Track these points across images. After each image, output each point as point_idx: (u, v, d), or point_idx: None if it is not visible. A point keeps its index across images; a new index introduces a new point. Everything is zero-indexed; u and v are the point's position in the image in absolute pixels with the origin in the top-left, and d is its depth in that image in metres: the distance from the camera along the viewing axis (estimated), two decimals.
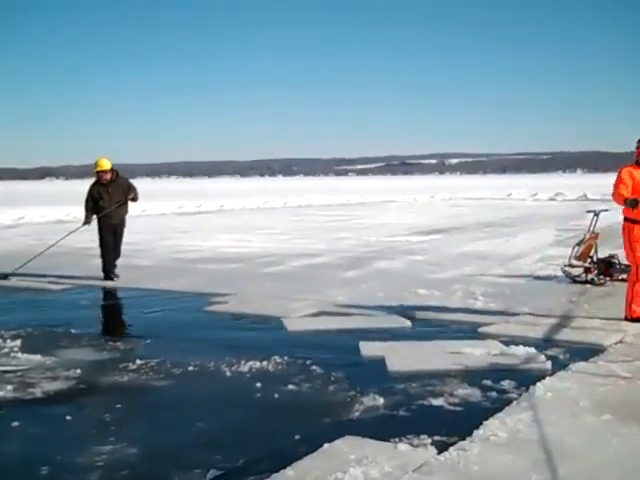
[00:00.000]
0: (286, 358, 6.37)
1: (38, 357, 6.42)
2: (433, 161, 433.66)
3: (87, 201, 11.34)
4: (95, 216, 11.25)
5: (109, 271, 11.21)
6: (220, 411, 5.11)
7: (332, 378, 5.81)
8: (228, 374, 5.98)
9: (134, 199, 11.42)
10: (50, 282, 11.03)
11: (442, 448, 4.20)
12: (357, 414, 4.96)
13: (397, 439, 4.36)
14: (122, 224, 11.49)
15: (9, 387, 5.56)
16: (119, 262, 11.42)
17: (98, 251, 11.39)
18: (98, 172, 11.30)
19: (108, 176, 11.28)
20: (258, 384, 5.62)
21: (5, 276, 11.45)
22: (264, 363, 6.22)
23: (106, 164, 11.28)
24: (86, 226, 11.48)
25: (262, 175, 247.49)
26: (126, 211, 11.56)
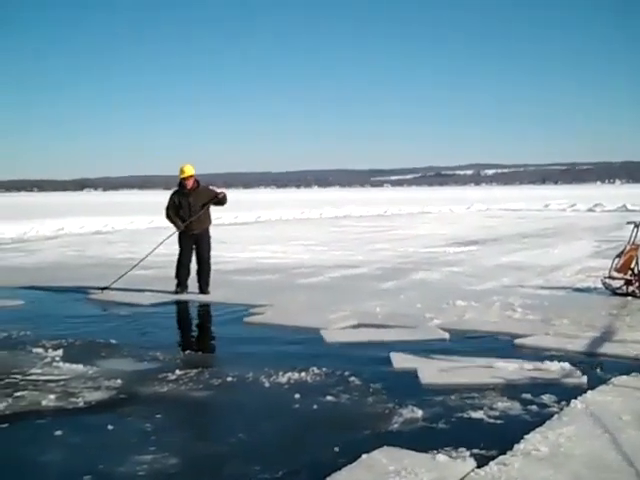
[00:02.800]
0: (324, 369, 6.38)
1: (80, 367, 6.50)
2: (469, 172, 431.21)
3: (168, 209, 11.00)
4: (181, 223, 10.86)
5: (180, 282, 10.99)
6: (259, 422, 5.13)
7: (370, 389, 5.81)
8: (267, 385, 6.00)
9: (220, 202, 11.00)
10: (96, 291, 11.15)
11: (482, 461, 4.17)
12: (396, 426, 4.96)
13: (436, 451, 4.35)
14: (204, 235, 11.07)
15: (52, 396, 5.65)
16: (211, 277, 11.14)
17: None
18: (181, 179, 10.94)
19: (191, 182, 10.91)
20: (297, 395, 5.64)
21: (103, 289, 11.25)
22: (302, 374, 6.25)
23: (189, 170, 10.87)
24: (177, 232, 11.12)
25: (298, 186, 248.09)
26: (208, 221, 11.14)
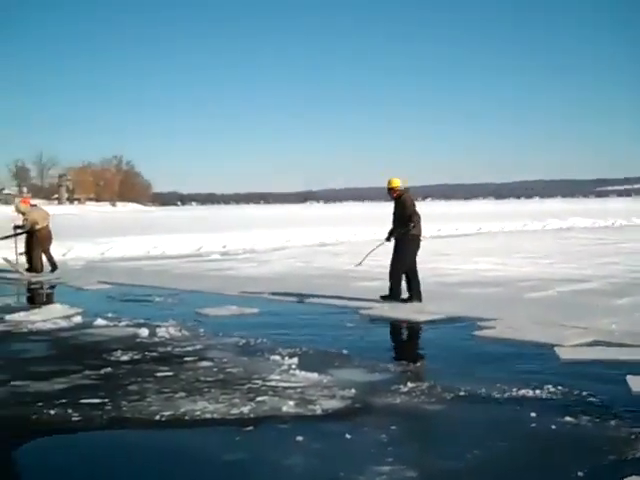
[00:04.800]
0: (560, 388, 6.16)
1: (315, 375, 6.72)
2: None
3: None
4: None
5: (399, 292, 11.22)
6: (494, 440, 5.02)
7: (612, 412, 5.52)
8: (500, 401, 5.89)
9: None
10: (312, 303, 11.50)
11: None
12: None
13: None
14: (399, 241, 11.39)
15: (291, 402, 5.88)
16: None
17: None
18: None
19: (392, 194, 11.41)
20: (532, 414, 5.48)
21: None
22: (537, 392, 6.07)
23: (389, 182, 11.48)
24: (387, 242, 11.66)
25: (518, 197, 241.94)
26: (402, 232, 11.28)
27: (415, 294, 11.19)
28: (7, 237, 18.83)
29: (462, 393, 6.12)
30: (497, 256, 19.46)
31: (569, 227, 37.58)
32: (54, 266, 17.84)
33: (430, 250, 21.54)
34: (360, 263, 13.24)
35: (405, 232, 11.14)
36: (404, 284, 11.30)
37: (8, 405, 6.02)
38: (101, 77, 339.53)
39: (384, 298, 11.20)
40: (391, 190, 11.46)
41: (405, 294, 11.27)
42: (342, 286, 13.11)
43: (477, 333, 8.76)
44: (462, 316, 9.93)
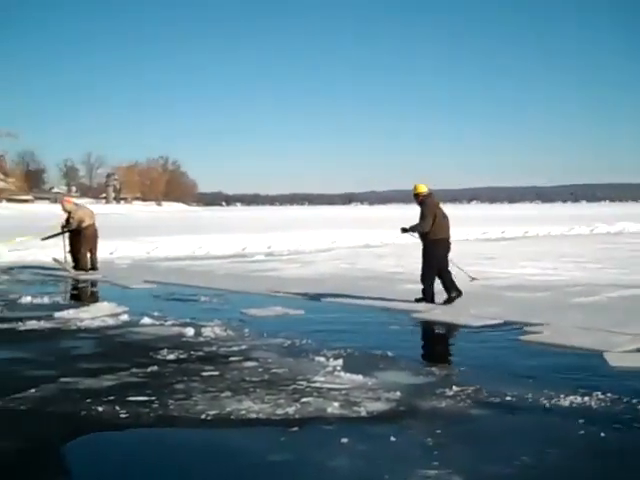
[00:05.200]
0: (609, 395, 6.05)
1: (360, 377, 6.70)
2: None
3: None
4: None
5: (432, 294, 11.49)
6: (542, 446, 4.95)
7: None
8: (547, 407, 5.81)
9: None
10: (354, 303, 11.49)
11: None
12: None
13: None
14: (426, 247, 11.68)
15: (336, 404, 5.88)
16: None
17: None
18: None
19: (417, 199, 11.76)
20: (581, 420, 5.40)
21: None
22: (586, 399, 5.97)
23: (414, 188, 11.90)
24: None
25: (564, 201, 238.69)
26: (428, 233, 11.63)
27: (452, 291, 11.36)
28: (54, 235, 19.16)
29: (508, 398, 6.06)
30: (544, 260, 19.23)
31: (618, 232, 36.94)
32: (94, 266, 18.07)
33: (475, 253, 21.39)
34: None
35: (418, 232, 11.66)
36: (440, 286, 11.44)
37: (58, 401, 6.12)
38: (148, 78, 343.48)
39: (418, 300, 11.45)
40: (416, 196, 11.81)
41: (444, 295, 11.42)
42: (387, 288, 13.08)
43: (524, 338, 8.67)
44: (509, 320, 9.83)
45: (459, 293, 11.33)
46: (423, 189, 11.74)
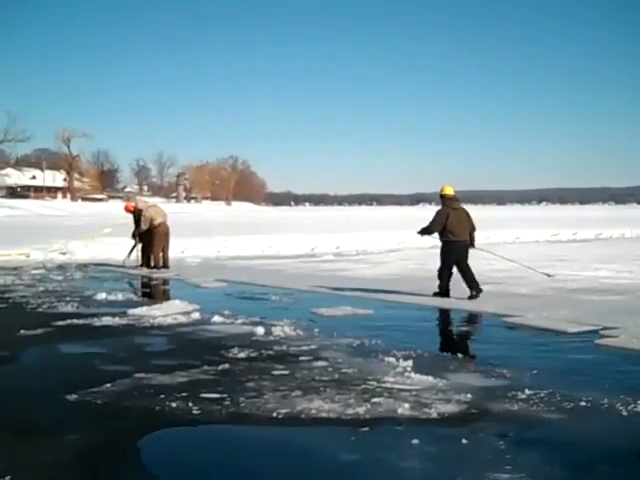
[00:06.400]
0: None
1: (430, 378, 6.67)
2: None
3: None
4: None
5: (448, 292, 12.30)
6: (617, 452, 4.85)
7: None
8: (624, 414, 5.67)
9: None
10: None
11: None
12: None
13: None
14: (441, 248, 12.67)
15: (406, 405, 5.86)
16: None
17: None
18: None
19: (441, 200, 12.70)
20: None
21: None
22: None
23: (440, 189, 12.72)
24: None
25: (639, 202, 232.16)
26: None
27: (472, 288, 12.02)
28: (131, 250, 19.48)
29: (582, 403, 5.93)
30: (619, 263, 18.80)
31: None
32: (166, 264, 18.39)
33: (546, 255, 21.08)
34: None
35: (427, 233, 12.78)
36: (464, 285, 12.18)
37: (132, 397, 6.25)
38: (218, 80, 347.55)
39: (435, 295, 12.36)
40: (441, 197, 12.69)
41: (467, 292, 12.11)
42: (455, 290, 12.96)
43: (599, 342, 8.47)
44: (582, 323, 9.63)
45: (479, 291, 11.97)
46: (448, 191, 12.58)
